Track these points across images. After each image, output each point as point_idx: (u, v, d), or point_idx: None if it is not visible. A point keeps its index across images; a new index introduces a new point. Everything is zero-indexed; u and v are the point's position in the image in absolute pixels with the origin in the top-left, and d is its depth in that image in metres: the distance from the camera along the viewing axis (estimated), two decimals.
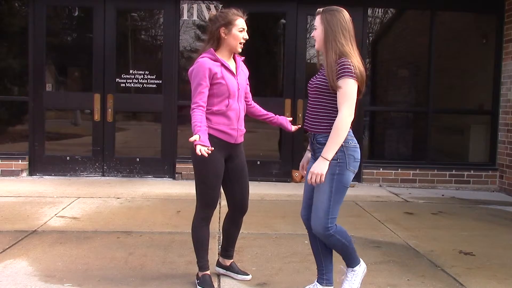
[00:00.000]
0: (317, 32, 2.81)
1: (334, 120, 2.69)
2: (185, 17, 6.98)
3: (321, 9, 2.82)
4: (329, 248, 2.92)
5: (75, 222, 4.62)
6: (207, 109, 2.97)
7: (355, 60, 2.70)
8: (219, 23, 3.02)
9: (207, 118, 2.97)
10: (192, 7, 6.98)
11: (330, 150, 2.66)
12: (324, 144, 2.69)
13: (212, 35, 3.05)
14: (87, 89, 7.00)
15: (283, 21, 7.20)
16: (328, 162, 2.66)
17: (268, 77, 7.55)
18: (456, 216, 5.40)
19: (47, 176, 6.85)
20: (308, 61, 7.30)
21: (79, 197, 5.59)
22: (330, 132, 2.67)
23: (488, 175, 7.13)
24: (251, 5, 7.23)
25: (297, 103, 6.96)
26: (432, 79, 7.14)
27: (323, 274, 2.96)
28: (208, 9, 6.99)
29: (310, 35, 7.25)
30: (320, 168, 2.65)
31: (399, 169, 6.97)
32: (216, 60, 3.00)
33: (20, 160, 6.80)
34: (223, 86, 2.98)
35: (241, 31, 3.06)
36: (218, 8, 6.90)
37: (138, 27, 7.45)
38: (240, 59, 3.20)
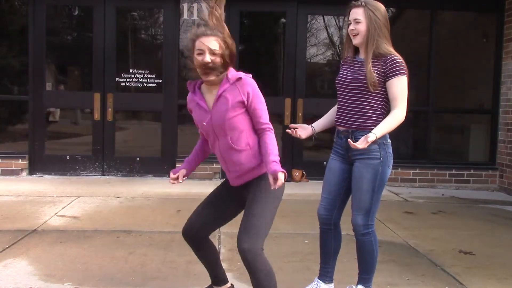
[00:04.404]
0: (360, 27, 2.69)
1: (377, 117, 2.68)
2: (185, 16, 6.97)
3: (362, 2, 2.70)
4: (339, 248, 2.95)
5: (75, 221, 4.62)
6: None
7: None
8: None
9: None
10: (192, 6, 6.97)
11: (383, 131, 2.58)
12: None
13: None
14: (87, 88, 6.99)
15: (283, 20, 7.21)
16: (375, 138, 2.52)
17: (268, 77, 7.55)
18: (456, 215, 5.40)
19: (47, 175, 6.85)
20: (308, 60, 7.30)
21: (79, 196, 5.59)
22: (371, 129, 2.59)
23: (488, 175, 7.13)
24: (251, 5, 7.32)
25: (297, 102, 6.96)
26: (432, 79, 7.13)
27: (328, 273, 2.97)
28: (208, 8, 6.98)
29: (310, 34, 7.28)
30: (370, 139, 2.50)
31: (399, 168, 6.96)
32: (192, 92, 2.54)
33: (20, 159, 6.79)
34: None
35: (200, 53, 2.33)
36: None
37: (138, 26, 7.45)
38: (227, 84, 2.38)
